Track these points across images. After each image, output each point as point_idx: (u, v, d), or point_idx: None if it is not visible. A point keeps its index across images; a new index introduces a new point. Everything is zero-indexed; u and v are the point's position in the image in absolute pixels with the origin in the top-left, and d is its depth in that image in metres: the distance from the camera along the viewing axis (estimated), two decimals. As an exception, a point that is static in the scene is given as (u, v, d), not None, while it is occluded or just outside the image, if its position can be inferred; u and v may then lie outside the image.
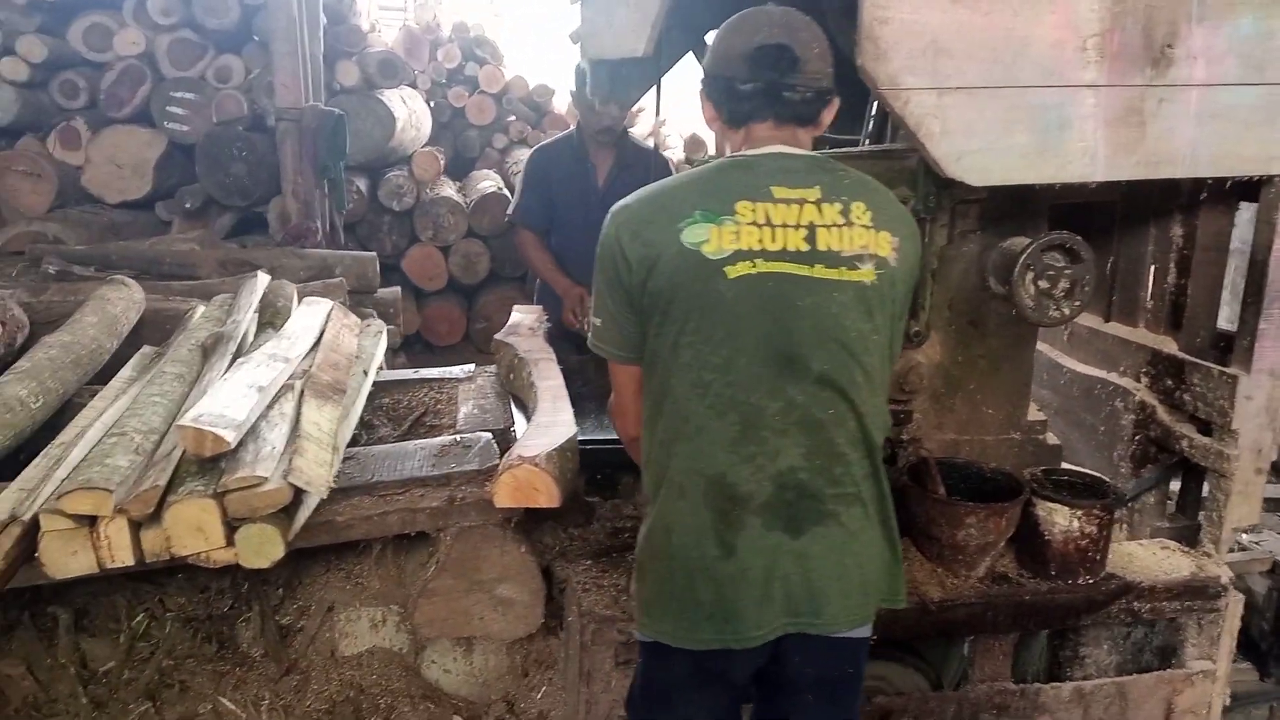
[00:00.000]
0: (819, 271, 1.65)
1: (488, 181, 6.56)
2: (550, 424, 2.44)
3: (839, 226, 1.68)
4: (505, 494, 2.15)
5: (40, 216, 5.32)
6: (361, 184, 6.00)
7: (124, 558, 1.96)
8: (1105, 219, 3.04)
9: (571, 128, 4.27)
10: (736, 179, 1.70)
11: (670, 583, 1.72)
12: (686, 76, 3.23)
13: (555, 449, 2.24)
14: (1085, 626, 2.67)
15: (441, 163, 6.48)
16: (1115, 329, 3.07)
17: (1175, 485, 2.98)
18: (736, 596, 1.68)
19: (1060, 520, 2.48)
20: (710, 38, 3.00)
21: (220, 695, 2.38)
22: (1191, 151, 2.38)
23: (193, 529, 1.93)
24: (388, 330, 3.54)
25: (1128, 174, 2.36)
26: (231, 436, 1.96)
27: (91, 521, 1.94)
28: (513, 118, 7.66)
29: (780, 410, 1.66)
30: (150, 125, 5.73)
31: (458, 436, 2.59)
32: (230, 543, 1.96)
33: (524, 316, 3.48)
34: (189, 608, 2.51)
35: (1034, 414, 2.87)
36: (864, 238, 1.69)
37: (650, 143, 7.27)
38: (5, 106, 5.52)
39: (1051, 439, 2.87)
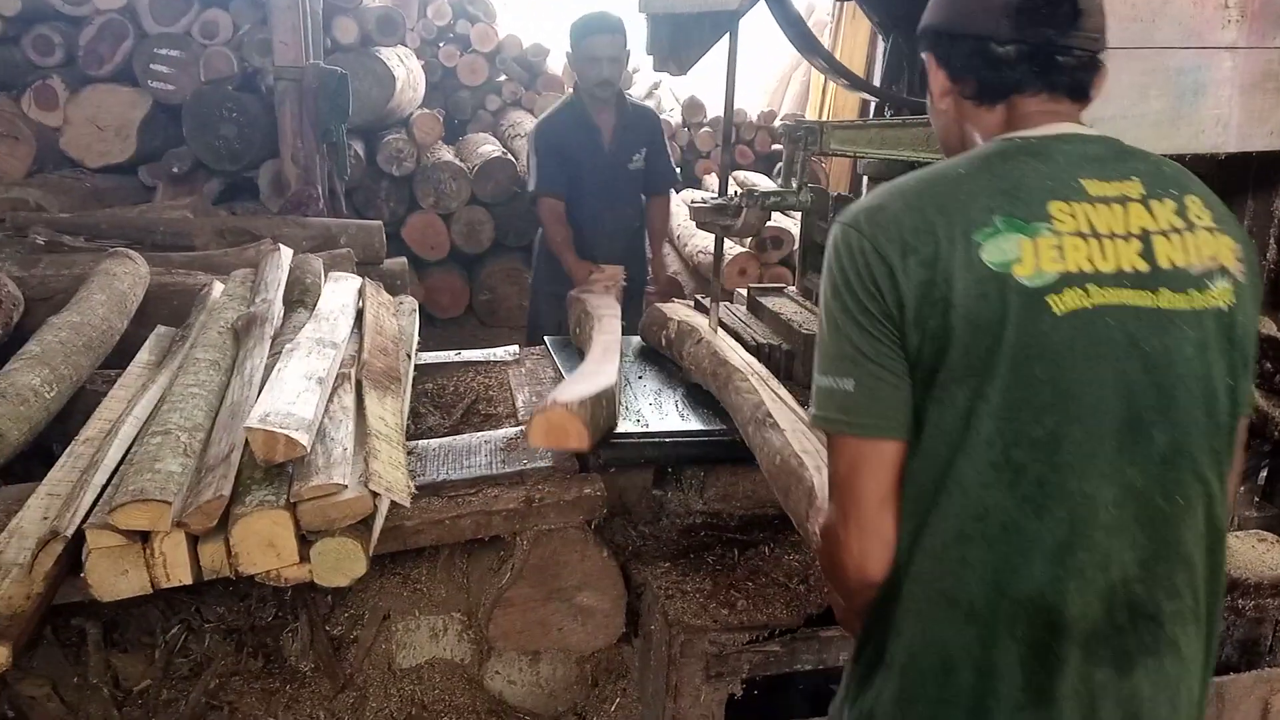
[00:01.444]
0: (1165, 300, 1.20)
1: (489, 145, 6.28)
2: (594, 373, 2.45)
3: (1178, 232, 1.23)
4: (538, 434, 2.12)
5: (18, 181, 4.99)
6: (359, 147, 5.71)
7: (181, 576, 1.73)
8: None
9: (566, 94, 4.18)
10: (1034, 170, 1.23)
11: None
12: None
13: (590, 396, 2.22)
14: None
15: (442, 125, 6.19)
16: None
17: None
18: None
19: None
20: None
21: (271, 717, 2.16)
22: (1324, 121, 2.21)
23: (263, 544, 1.70)
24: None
25: (1260, 144, 2.19)
26: (305, 439, 1.73)
27: (144, 536, 1.71)
28: (505, 78, 7.37)
29: (1115, 500, 1.19)
30: (133, 84, 5.38)
31: (523, 428, 2.37)
32: (304, 559, 1.74)
33: (598, 276, 3.48)
34: (229, 618, 2.29)
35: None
36: (1211, 245, 1.23)
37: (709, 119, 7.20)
38: (-26, 63, 5.16)
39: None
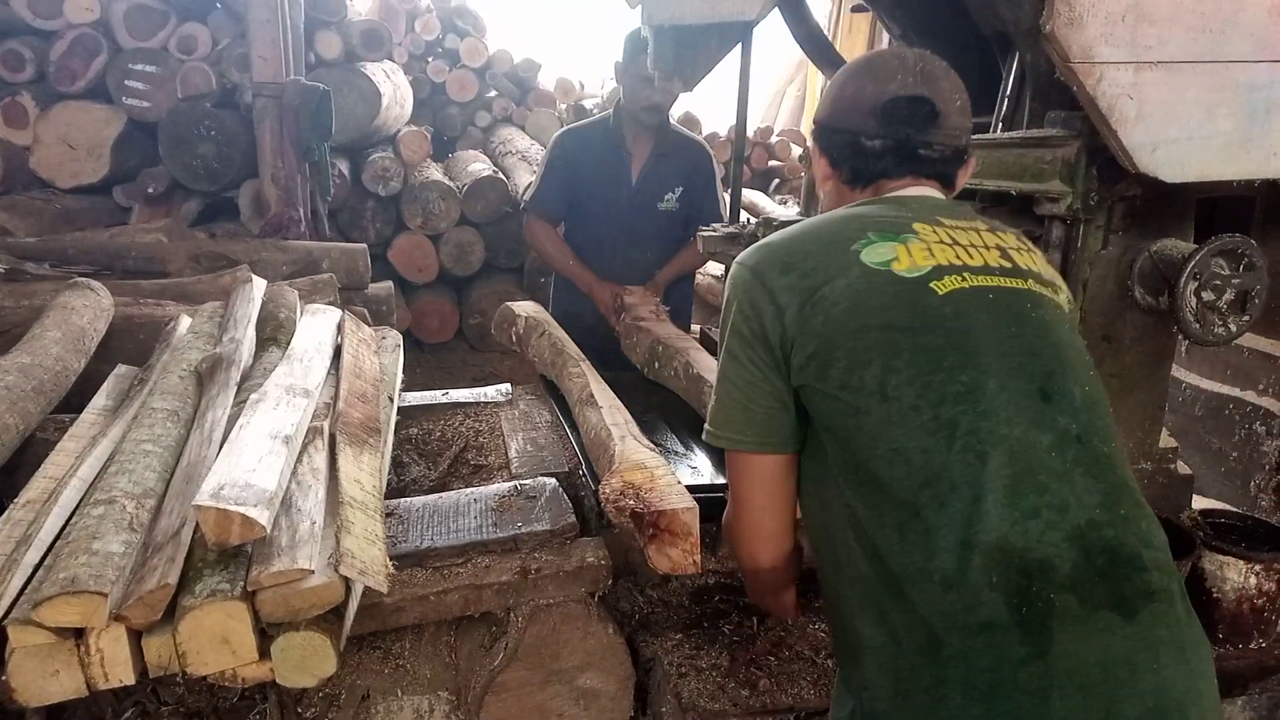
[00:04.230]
0: (1034, 286, 1.40)
1: (479, 164, 6.05)
2: None
3: (1025, 251, 1.47)
4: None
5: (-16, 204, 4.75)
6: (343, 166, 5.48)
7: (122, 675, 1.49)
8: (1239, 216, 2.65)
9: (603, 113, 3.80)
10: (895, 210, 1.46)
11: (942, 712, 1.19)
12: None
13: None
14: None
15: (430, 143, 5.97)
16: (1252, 341, 2.70)
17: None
18: (1063, 712, 1.14)
19: (1233, 576, 2.11)
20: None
21: (235, 815, 1.92)
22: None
23: (216, 641, 1.46)
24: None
25: (1335, 169, 1.97)
26: (265, 517, 1.49)
27: (78, 632, 1.47)
28: (496, 94, 7.19)
29: (1054, 444, 1.27)
30: (107, 101, 5.17)
31: (516, 484, 2.14)
32: (265, 654, 1.50)
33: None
34: (189, 699, 2.04)
35: (1165, 440, 2.50)
36: (1048, 267, 1.50)
37: (705, 135, 6.76)
38: (-60, 79, 4.91)
39: (1183, 469, 2.50)
